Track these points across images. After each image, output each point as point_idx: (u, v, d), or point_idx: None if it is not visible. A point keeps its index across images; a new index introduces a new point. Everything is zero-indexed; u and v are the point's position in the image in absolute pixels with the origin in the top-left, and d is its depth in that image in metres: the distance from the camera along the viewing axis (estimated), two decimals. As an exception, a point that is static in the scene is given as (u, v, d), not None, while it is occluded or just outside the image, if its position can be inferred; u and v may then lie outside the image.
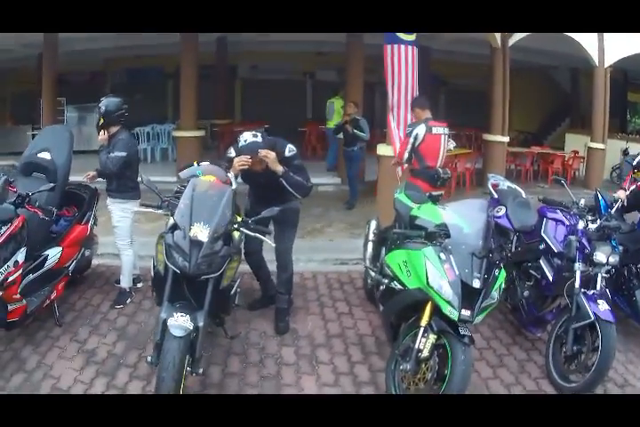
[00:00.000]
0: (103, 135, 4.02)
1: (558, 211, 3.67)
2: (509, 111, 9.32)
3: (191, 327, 2.61)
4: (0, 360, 3.31)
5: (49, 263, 3.69)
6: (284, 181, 3.42)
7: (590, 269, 3.22)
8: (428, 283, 2.67)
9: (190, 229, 2.69)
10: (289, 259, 3.90)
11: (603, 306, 3.04)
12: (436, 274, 2.66)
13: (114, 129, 4.02)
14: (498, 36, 8.59)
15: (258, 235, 2.98)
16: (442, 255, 2.72)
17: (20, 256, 3.22)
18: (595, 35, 9.26)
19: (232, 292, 3.06)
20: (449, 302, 2.61)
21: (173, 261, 2.70)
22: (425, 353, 2.66)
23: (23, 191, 3.50)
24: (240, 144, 3.30)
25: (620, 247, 4.09)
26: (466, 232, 2.81)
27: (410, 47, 5.62)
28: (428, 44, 11.63)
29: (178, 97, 11.87)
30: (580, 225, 3.41)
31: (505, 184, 4.60)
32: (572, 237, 3.31)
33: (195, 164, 3.29)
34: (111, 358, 3.39)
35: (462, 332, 2.65)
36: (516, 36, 8.66)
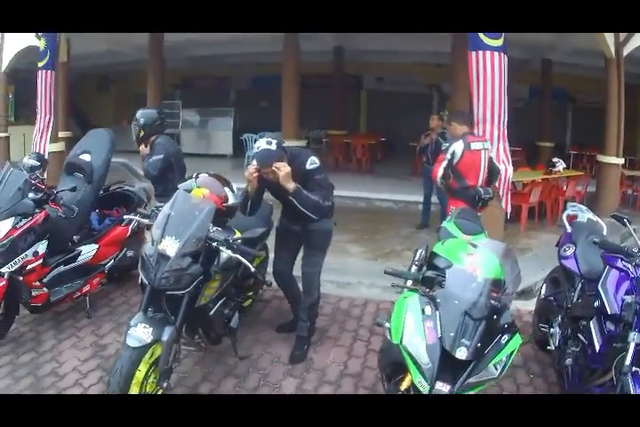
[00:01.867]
0: (144, 148, 4.12)
1: (620, 259, 2.82)
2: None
3: (149, 340, 2.52)
4: (21, 338, 3.61)
5: (82, 258, 3.85)
6: (294, 200, 3.07)
7: None
8: (401, 341, 2.15)
9: (161, 241, 2.58)
10: (314, 284, 3.57)
11: None
12: (414, 332, 2.14)
13: (153, 138, 4.11)
14: (611, 44, 7.46)
15: (238, 256, 2.68)
16: (427, 309, 2.17)
17: (41, 247, 3.45)
18: None
19: (212, 312, 2.89)
20: (421, 371, 2.08)
21: (144, 272, 2.64)
22: None
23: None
24: (254, 151, 3.07)
25: None
26: (472, 283, 2.17)
27: (497, 54, 4.98)
28: (547, 55, 10.60)
29: (302, 105, 12.20)
30: None
31: (585, 216, 3.75)
32: (629, 298, 2.51)
33: (194, 175, 3.11)
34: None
35: None
36: (631, 45, 7.45)
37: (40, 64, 7.48)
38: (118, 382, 2.43)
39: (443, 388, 2.03)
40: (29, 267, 3.38)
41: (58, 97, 7.72)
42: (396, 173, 10.38)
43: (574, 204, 4.04)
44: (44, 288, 3.51)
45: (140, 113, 4.12)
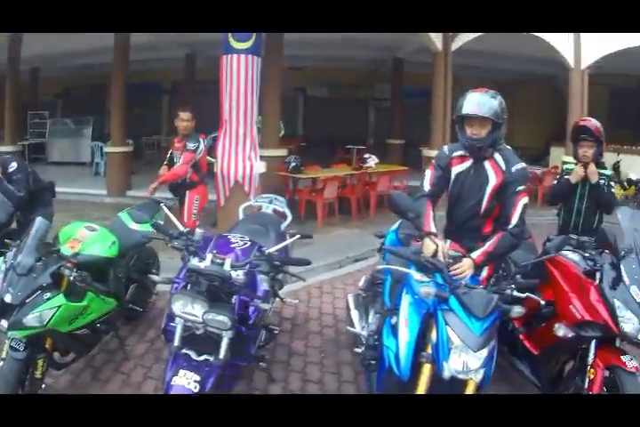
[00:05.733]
0: None
1: None
2: (512, 127, 8.41)
3: None
4: None
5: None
6: None
7: None
8: None
9: None
10: None
11: None
12: None
13: None
14: (437, 39, 7.87)
15: None
16: None
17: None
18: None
19: None
20: None
21: None
22: None
23: None
24: None
25: None
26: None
27: (243, 57, 5.24)
28: (396, 54, 10.99)
29: (173, 111, 11.95)
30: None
31: (270, 207, 3.83)
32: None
33: None
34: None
35: None
36: (461, 39, 7.87)
37: None
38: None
39: (4, 324, 2.60)
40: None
41: None
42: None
43: (267, 195, 4.13)
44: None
45: None
